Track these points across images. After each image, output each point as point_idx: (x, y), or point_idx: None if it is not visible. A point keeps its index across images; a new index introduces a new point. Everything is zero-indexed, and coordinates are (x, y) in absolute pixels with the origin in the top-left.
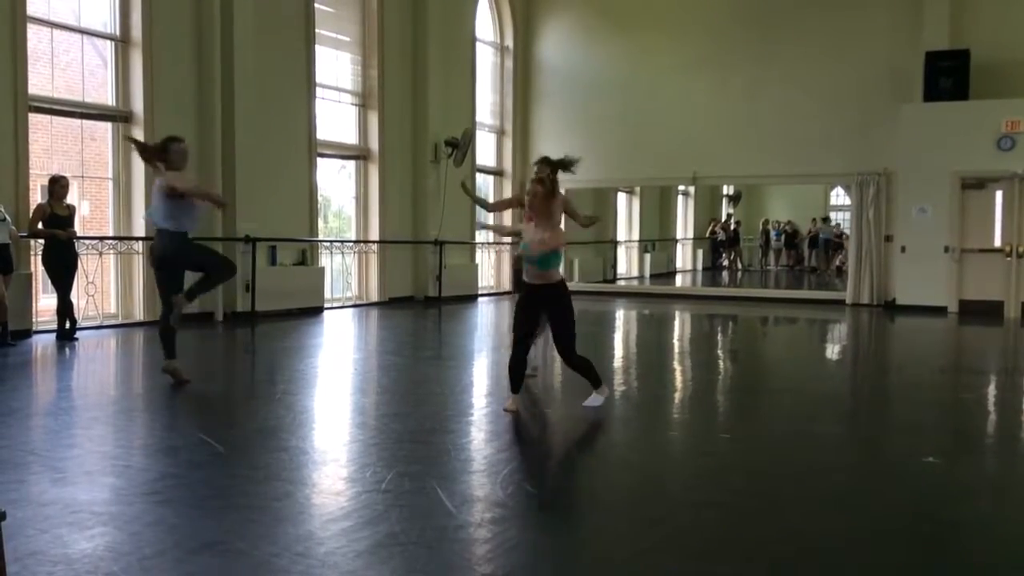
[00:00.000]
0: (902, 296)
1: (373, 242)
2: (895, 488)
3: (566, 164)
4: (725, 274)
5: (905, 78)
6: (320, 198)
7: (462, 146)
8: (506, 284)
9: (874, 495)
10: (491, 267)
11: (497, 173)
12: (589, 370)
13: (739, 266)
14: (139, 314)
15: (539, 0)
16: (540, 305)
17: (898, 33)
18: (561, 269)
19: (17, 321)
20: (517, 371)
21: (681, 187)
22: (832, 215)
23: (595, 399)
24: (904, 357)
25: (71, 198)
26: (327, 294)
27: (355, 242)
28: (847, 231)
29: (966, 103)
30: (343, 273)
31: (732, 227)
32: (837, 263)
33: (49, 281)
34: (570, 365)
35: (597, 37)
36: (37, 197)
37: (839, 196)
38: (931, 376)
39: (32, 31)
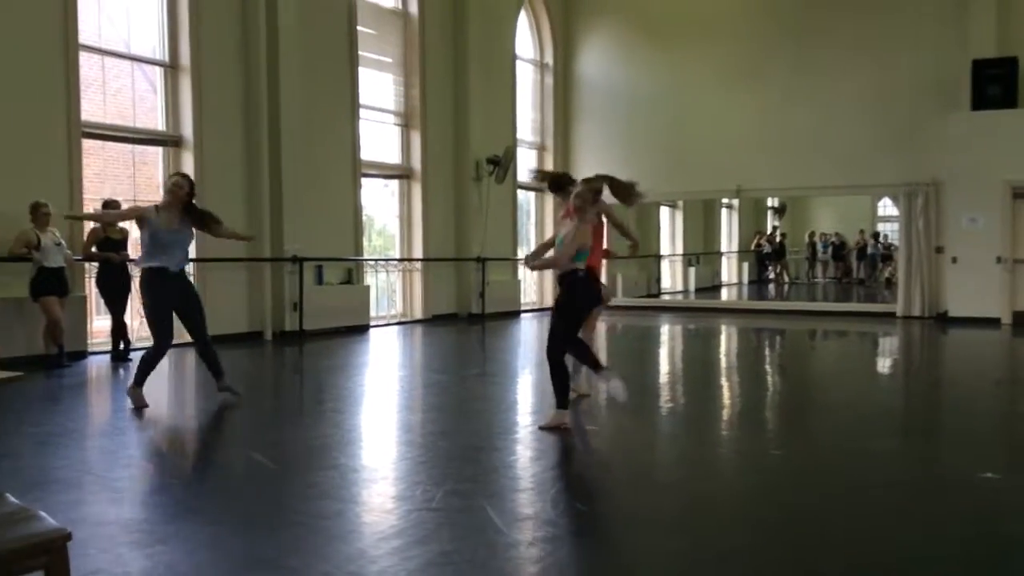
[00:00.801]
0: (954, 308)
1: (417, 260)
2: (952, 504)
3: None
4: (771, 287)
5: (952, 86)
6: (364, 217)
7: (503, 163)
8: (549, 300)
9: (930, 512)
10: (534, 283)
11: (538, 190)
12: (561, 383)
13: (785, 279)
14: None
15: (578, 17)
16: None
17: (944, 41)
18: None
19: (73, 343)
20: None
21: (725, 200)
22: (880, 226)
23: (554, 417)
24: (958, 370)
25: (124, 222)
26: (372, 312)
27: (399, 260)
28: (895, 242)
29: (1015, 111)
30: (387, 291)
31: (778, 239)
32: (886, 275)
33: (103, 303)
34: (549, 364)
35: (636, 52)
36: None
37: (887, 207)
38: (986, 389)
39: (84, 59)
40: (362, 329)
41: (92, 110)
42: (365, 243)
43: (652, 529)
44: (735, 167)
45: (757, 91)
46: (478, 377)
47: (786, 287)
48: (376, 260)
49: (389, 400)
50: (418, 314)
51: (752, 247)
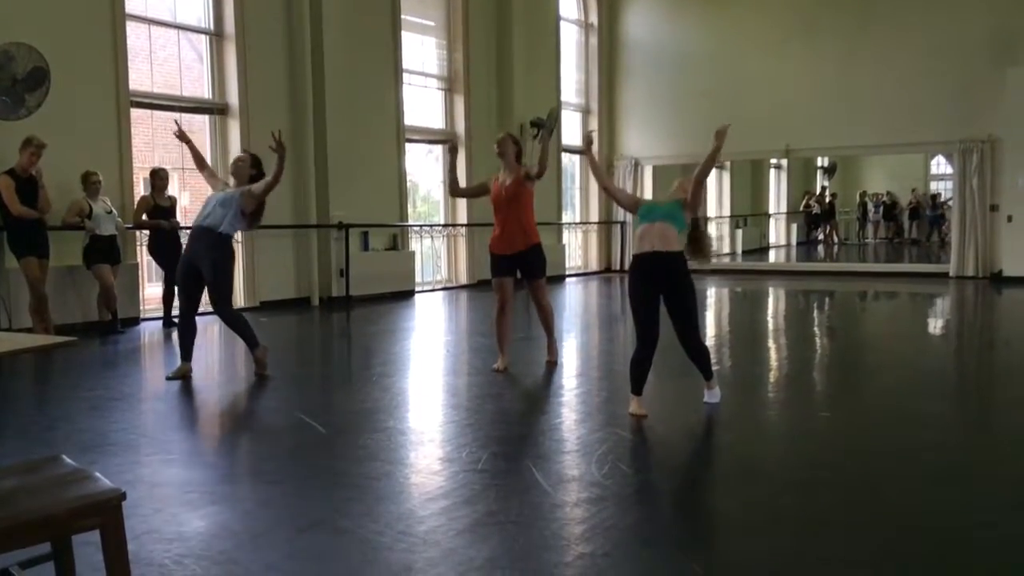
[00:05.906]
0: (1009, 267)
1: (461, 225)
2: (1005, 465)
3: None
4: (821, 248)
5: (1009, 40)
6: (409, 183)
7: (548, 126)
8: (594, 264)
9: (982, 473)
10: (578, 247)
11: (583, 152)
12: (706, 359)
13: (835, 240)
14: (240, 300)
15: None
16: (659, 280)
17: None
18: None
19: (125, 309)
20: (640, 369)
21: (773, 160)
22: (933, 184)
23: (712, 395)
24: (1012, 331)
25: (172, 189)
26: (418, 278)
27: (444, 226)
28: (949, 201)
29: None
30: (432, 257)
31: (827, 200)
32: (940, 235)
33: (156, 269)
34: (691, 349)
35: (683, 11)
36: (140, 190)
37: (940, 165)
38: None
39: (131, 28)
40: (408, 295)
41: (140, 79)
42: (410, 209)
43: (698, 490)
44: (784, 126)
45: (807, 49)
46: (523, 341)
47: (836, 248)
48: (421, 226)
49: (435, 364)
50: (463, 279)
51: (801, 208)
